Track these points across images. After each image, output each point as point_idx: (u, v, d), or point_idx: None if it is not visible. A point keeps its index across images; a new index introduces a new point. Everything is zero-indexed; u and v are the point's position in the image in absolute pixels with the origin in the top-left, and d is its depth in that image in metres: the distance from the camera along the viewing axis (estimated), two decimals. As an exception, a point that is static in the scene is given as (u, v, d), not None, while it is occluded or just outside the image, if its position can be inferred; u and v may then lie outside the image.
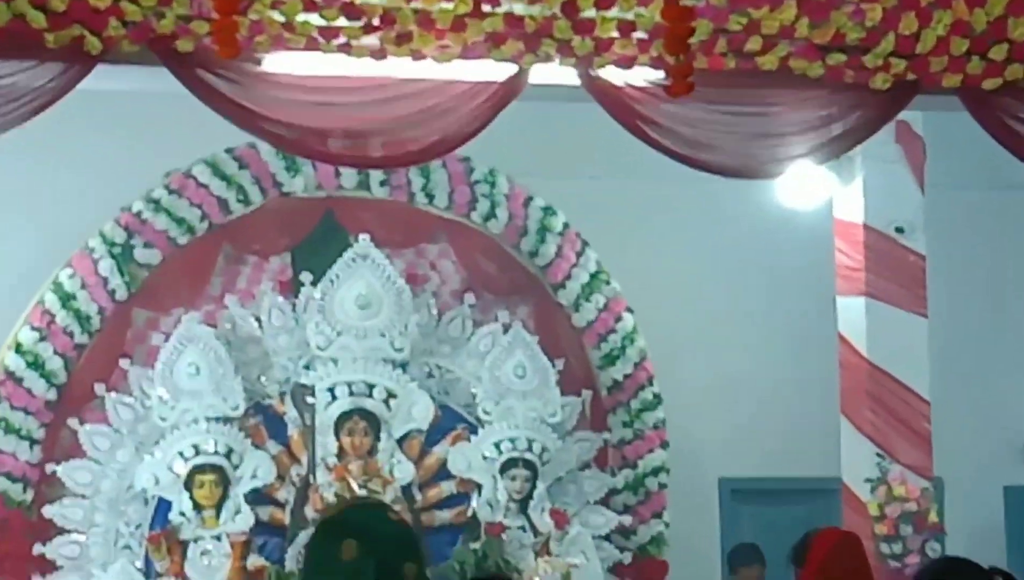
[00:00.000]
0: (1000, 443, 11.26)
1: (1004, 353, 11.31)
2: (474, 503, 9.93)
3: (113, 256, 9.89)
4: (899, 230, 9.95)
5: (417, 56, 6.93)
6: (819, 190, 9.63)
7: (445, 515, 9.96)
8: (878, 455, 9.75)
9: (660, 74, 6.96)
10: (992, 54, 7.12)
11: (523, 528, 9.93)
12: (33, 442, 9.74)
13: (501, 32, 6.90)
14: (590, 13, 6.87)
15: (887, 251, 9.94)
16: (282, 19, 6.67)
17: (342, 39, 6.85)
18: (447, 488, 10.01)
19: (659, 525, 10.38)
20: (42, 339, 9.76)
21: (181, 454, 9.55)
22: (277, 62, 6.97)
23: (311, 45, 6.83)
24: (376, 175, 9.82)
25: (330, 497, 9.75)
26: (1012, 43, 7.09)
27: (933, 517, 9.69)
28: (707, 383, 10.71)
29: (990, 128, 7.46)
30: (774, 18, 6.95)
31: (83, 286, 9.83)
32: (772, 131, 7.56)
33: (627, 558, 10.28)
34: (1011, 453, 11.35)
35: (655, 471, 10.51)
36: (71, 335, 9.83)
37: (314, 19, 6.77)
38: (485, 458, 9.96)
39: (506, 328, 10.25)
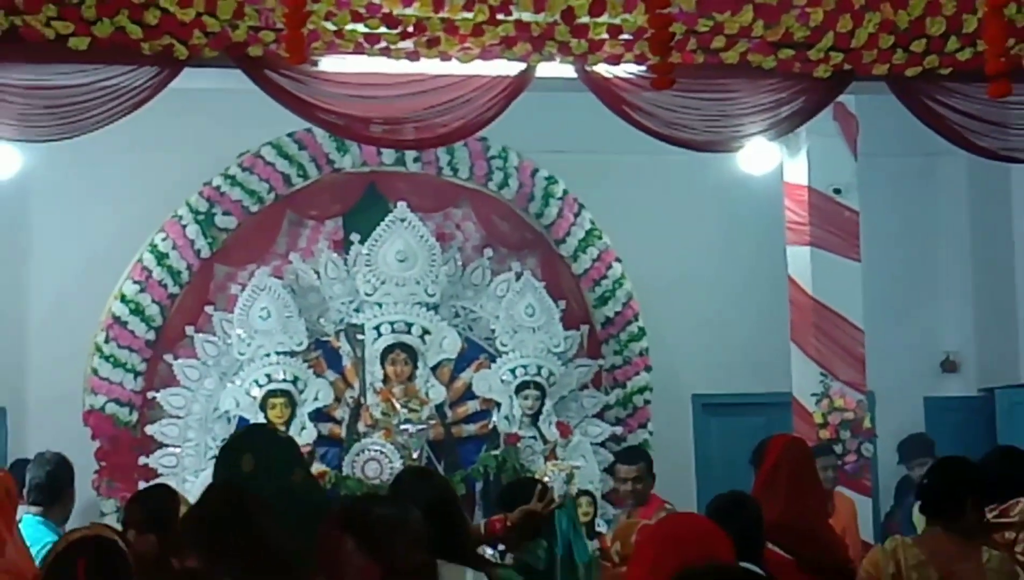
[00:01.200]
0: (921, 362, 11.31)
1: (923, 290, 11.40)
2: (494, 418, 10.00)
3: (198, 222, 9.96)
4: (837, 191, 9.95)
5: (444, 57, 7.01)
6: (771, 160, 9.63)
7: (471, 428, 10.09)
8: (821, 374, 9.78)
9: (642, 68, 7.05)
10: (913, 47, 7.14)
11: (534, 437, 9.99)
12: (136, 374, 9.85)
13: (512, 36, 6.96)
14: (585, 19, 6.91)
15: (827, 208, 9.92)
16: (334, 28, 6.75)
17: (383, 44, 6.92)
18: (472, 406, 10.13)
19: (644, 434, 10.46)
20: (142, 290, 9.85)
21: (256, 382, 9.64)
22: (330, 63, 7.06)
23: (358, 49, 6.91)
24: (410, 153, 9.80)
25: (377, 415, 9.84)
26: (930, 38, 7.12)
27: (867, 424, 9.74)
28: (682, 318, 10.75)
29: (911, 107, 7.50)
30: (735, 20, 7.01)
31: (174, 247, 9.90)
32: (733, 113, 7.60)
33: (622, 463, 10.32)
34: (930, 370, 11.40)
35: (640, 390, 10.61)
36: (165, 286, 9.91)
37: (360, 28, 6.83)
38: (503, 381, 10.03)
39: (518, 276, 10.30)
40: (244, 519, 3.74)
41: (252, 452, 5.51)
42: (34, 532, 6.09)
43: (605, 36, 6.99)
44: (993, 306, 11.48)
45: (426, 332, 10.03)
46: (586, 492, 9.68)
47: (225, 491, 4.31)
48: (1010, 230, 11.12)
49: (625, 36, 6.96)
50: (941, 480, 5.55)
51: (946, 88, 7.43)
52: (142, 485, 8.56)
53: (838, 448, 9.60)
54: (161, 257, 9.92)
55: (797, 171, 9.96)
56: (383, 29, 6.88)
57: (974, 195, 11.40)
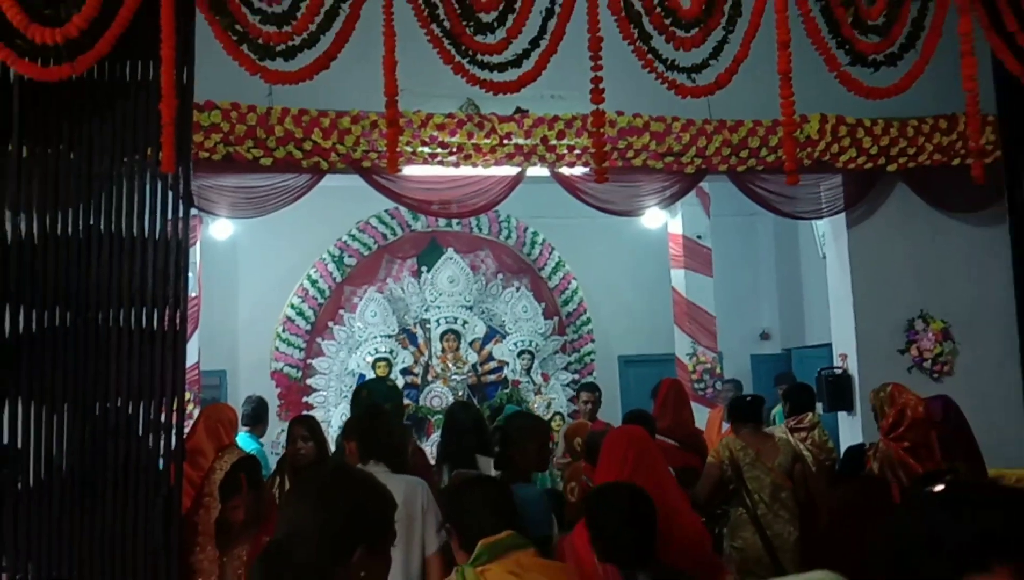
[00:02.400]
0: (748, 334, 11.33)
1: (748, 292, 11.38)
2: (506, 371, 10.01)
3: (334, 261, 10.01)
4: (698, 237, 9.99)
5: (474, 165, 6.96)
6: (661, 219, 9.64)
7: (492, 377, 10.01)
8: (691, 342, 9.82)
9: (587, 169, 7.03)
10: (741, 155, 7.12)
11: (529, 382, 10.05)
12: (300, 349, 9.86)
13: (512, 152, 6.89)
14: (554, 143, 6.94)
15: (692, 247, 9.93)
16: (410, 150, 6.76)
17: (439, 158, 6.90)
18: (492, 365, 10.06)
19: (590, 378, 10.37)
20: (303, 301, 9.89)
21: (369, 353, 9.64)
22: (409, 170, 7.05)
23: (425, 161, 6.86)
24: (455, 221, 9.76)
25: (438, 371, 9.91)
26: (750, 149, 7.11)
27: (718, 370, 9.79)
28: (611, 311, 10.71)
29: (740, 188, 7.48)
30: (639, 141, 7.00)
31: (320, 276, 9.94)
32: (639, 194, 7.57)
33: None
34: (753, 339, 11.41)
35: (588, 354, 10.64)
36: (315, 298, 9.93)
37: (426, 150, 6.84)
38: (509, 350, 10.04)
39: (517, 289, 10.32)
40: (379, 420, 3.89)
41: (368, 390, 5.61)
42: (245, 442, 6.30)
43: (566, 152, 6.97)
44: (789, 301, 11.46)
45: (465, 322, 10.07)
46: (558, 412, 9.78)
47: (368, 406, 4.48)
48: (798, 258, 11.13)
49: (577, 151, 6.96)
50: (754, 402, 5.80)
51: (761, 177, 7.41)
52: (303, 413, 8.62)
53: (701, 385, 9.65)
54: (313, 282, 9.99)
55: (676, 226, 9.94)
56: (439, 150, 6.87)
57: (777, 237, 11.33)
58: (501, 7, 3.24)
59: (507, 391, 9.87)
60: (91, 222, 3.17)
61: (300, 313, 9.92)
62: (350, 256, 10.11)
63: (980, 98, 3.41)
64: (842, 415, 7.76)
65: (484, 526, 2.57)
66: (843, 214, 7.65)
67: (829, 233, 8.02)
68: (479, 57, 3.26)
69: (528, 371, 10.10)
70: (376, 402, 5.06)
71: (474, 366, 10.02)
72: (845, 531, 3.73)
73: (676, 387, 6.57)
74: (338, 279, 10.07)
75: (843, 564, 1.69)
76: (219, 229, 8.93)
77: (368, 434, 3.74)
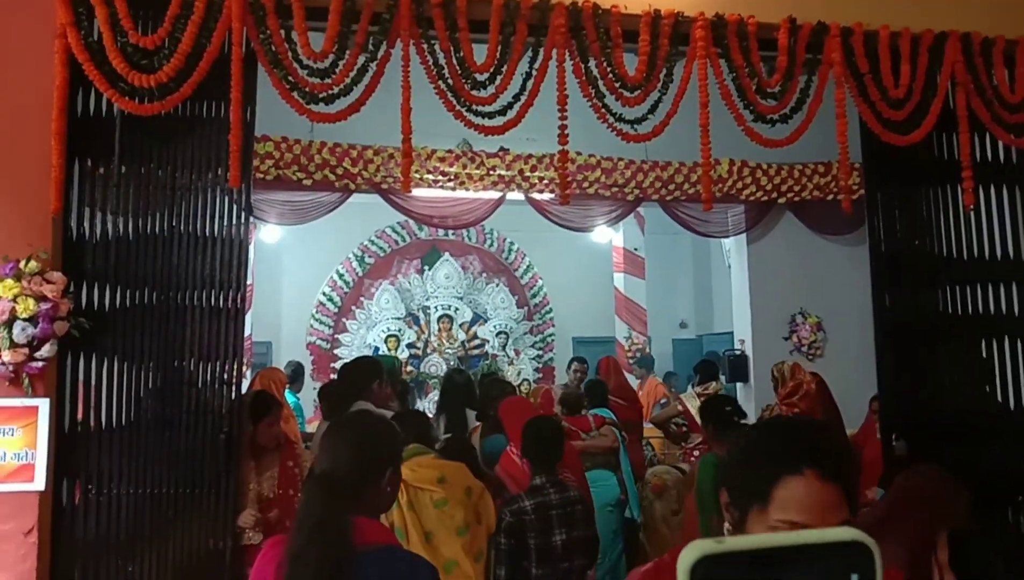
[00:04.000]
0: (671, 323, 11.31)
1: (671, 290, 11.30)
2: (487, 347, 10.03)
3: (356, 260, 9.97)
4: (635, 249, 10.08)
5: (466, 189, 6.93)
6: (607, 235, 9.61)
7: (476, 351, 10.01)
8: (628, 328, 9.89)
9: (553, 196, 7.03)
10: (670, 187, 7.17)
11: (504, 356, 10.06)
12: (329, 326, 9.82)
13: (496, 181, 6.89)
14: (528, 174, 6.93)
15: (631, 257, 9.99)
16: (418, 176, 6.69)
17: (440, 184, 6.89)
18: (477, 342, 10.05)
19: (550, 354, 10.50)
20: (332, 290, 9.85)
21: (382, 331, 9.67)
22: (418, 192, 7.01)
23: (429, 186, 6.84)
24: (452, 231, 9.71)
25: (435, 345, 9.90)
26: (676, 182, 7.16)
27: (647, 351, 9.82)
28: (568, 303, 10.65)
29: (668, 212, 7.50)
30: (592, 176, 7.04)
31: (346, 271, 9.90)
32: (591, 215, 7.59)
33: (540, 365, 10.39)
34: (674, 326, 11.42)
35: (550, 335, 10.61)
36: (342, 288, 9.90)
37: (429, 177, 6.80)
38: (490, 331, 10.08)
39: (497, 285, 10.33)
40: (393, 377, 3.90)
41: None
42: (287, 396, 6.13)
43: (537, 182, 6.97)
44: (702, 299, 11.47)
45: (457, 309, 10.06)
46: (526, 379, 9.74)
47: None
48: (709, 266, 11.16)
49: (546, 181, 6.96)
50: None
51: (684, 205, 7.45)
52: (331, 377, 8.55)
53: (634, 361, 9.59)
54: (340, 275, 9.94)
55: (618, 240, 9.95)
56: (440, 177, 6.86)
57: (694, 250, 11.30)
58: (492, 70, 3.26)
59: (488, 362, 9.86)
60: (173, 224, 3.16)
61: (330, 299, 9.88)
62: (369, 256, 10.07)
63: (849, 149, 3.45)
64: (740, 385, 7.83)
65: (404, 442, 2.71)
66: (744, 234, 7.72)
67: (733, 248, 8.09)
68: (474, 107, 3.26)
69: (504, 347, 10.10)
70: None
71: (462, 343, 10.02)
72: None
73: (614, 361, 6.60)
74: (360, 274, 10.03)
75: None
76: (269, 233, 8.84)
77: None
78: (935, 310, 3.65)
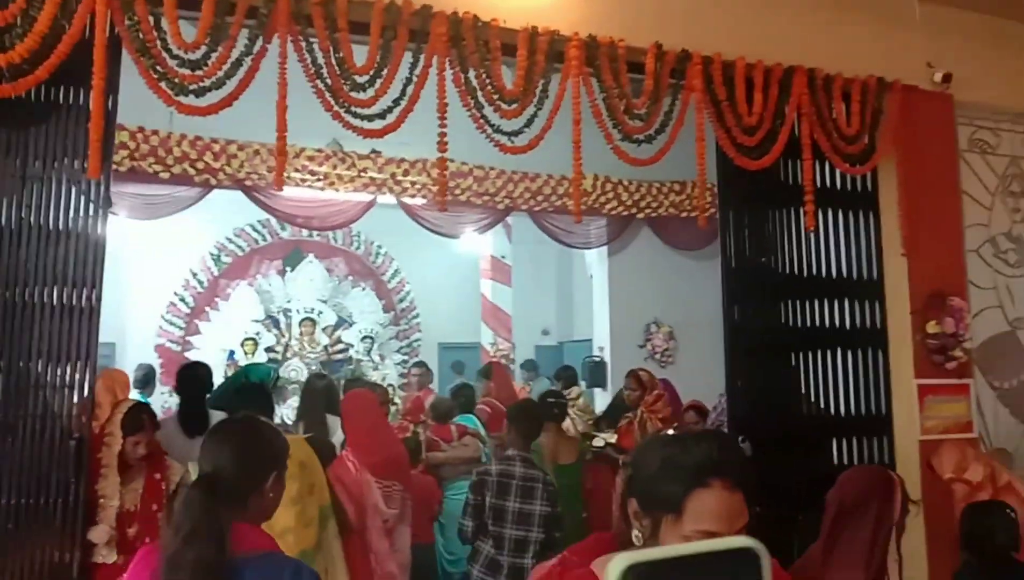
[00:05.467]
0: (533, 330, 11.38)
1: (536, 298, 11.31)
2: (352, 352, 9.85)
3: (213, 259, 9.55)
4: (502, 257, 10.23)
5: (336, 190, 6.82)
6: (476, 242, 9.62)
7: (340, 356, 9.79)
8: (493, 334, 10.00)
9: (426, 200, 7.08)
10: (538, 198, 7.31)
11: (369, 361, 9.88)
12: (180, 328, 9.32)
13: (367, 183, 6.85)
14: (400, 178, 6.94)
15: (498, 264, 10.14)
16: (285, 174, 6.54)
17: (308, 183, 6.74)
18: (340, 347, 9.84)
19: (416, 359, 10.31)
20: (185, 290, 9.38)
21: (238, 334, 9.34)
22: (287, 191, 6.82)
23: (296, 184, 6.67)
24: (316, 233, 9.48)
25: (296, 349, 9.63)
26: (545, 194, 7.33)
27: (512, 356, 9.91)
28: (435, 309, 10.59)
29: (536, 223, 7.69)
30: (465, 185, 7.06)
31: (201, 270, 9.47)
32: (461, 222, 7.64)
33: (406, 370, 10.19)
34: (538, 333, 11.54)
35: (416, 340, 10.52)
36: (195, 288, 9.44)
37: (297, 175, 6.65)
38: (355, 336, 9.90)
39: (363, 289, 10.16)
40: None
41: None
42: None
43: (409, 186, 6.99)
44: (564, 307, 11.69)
45: (320, 313, 9.84)
46: (391, 384, 9.67)
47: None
48: (572, 275, 11.38)
49: (418, 186, 6.98)
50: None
51: (551, 216, 7.66)
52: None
53: (523, 367, 9.76)
54: (195, 274, 9.48)
55: (487, 247, 10.05)
56: (308, 176, 6.73)
57: (558, 260, 11.43)
58: (372, 73, 3.27)
59: (352, 367, 9.70)
60: (22, 215, 2.96)
61: (182, 299, 9.38)
62: (227, 255, 9.65)
63: (706, 170, 3.73)
64: (598, 390, 8.16)
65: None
66: (606, 246, 8.07)
67: (595, 259, 8.43)
68: (353, 109, 3.26)
69: (369, 352, 9.97)
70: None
71: (325, 347, 9.80)
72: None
73: (503, 368, 6.70)
74: (216, 273, 9.59)
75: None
76: (113, 226, 8.29)
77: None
78: (778, 322, 3.99)
